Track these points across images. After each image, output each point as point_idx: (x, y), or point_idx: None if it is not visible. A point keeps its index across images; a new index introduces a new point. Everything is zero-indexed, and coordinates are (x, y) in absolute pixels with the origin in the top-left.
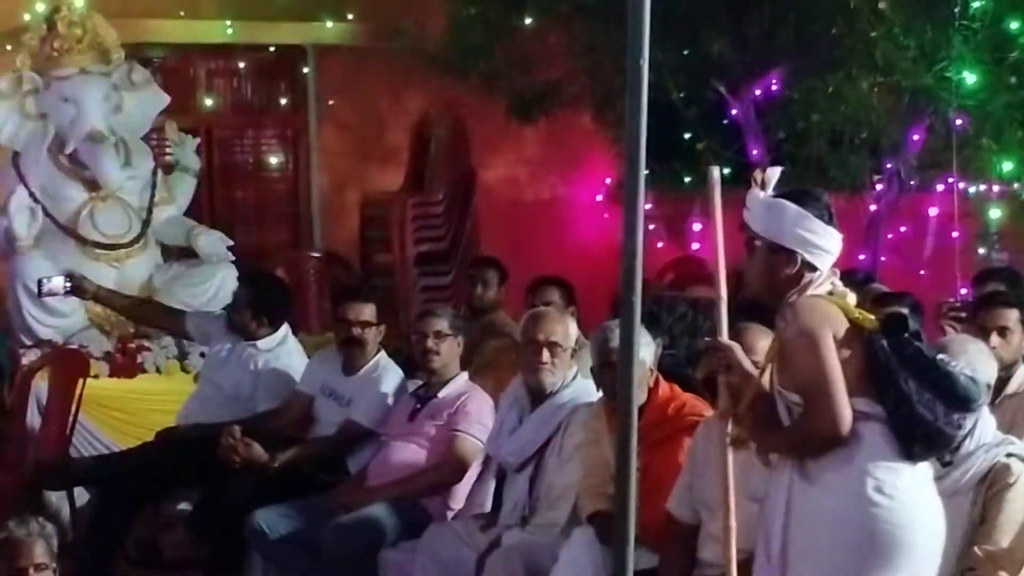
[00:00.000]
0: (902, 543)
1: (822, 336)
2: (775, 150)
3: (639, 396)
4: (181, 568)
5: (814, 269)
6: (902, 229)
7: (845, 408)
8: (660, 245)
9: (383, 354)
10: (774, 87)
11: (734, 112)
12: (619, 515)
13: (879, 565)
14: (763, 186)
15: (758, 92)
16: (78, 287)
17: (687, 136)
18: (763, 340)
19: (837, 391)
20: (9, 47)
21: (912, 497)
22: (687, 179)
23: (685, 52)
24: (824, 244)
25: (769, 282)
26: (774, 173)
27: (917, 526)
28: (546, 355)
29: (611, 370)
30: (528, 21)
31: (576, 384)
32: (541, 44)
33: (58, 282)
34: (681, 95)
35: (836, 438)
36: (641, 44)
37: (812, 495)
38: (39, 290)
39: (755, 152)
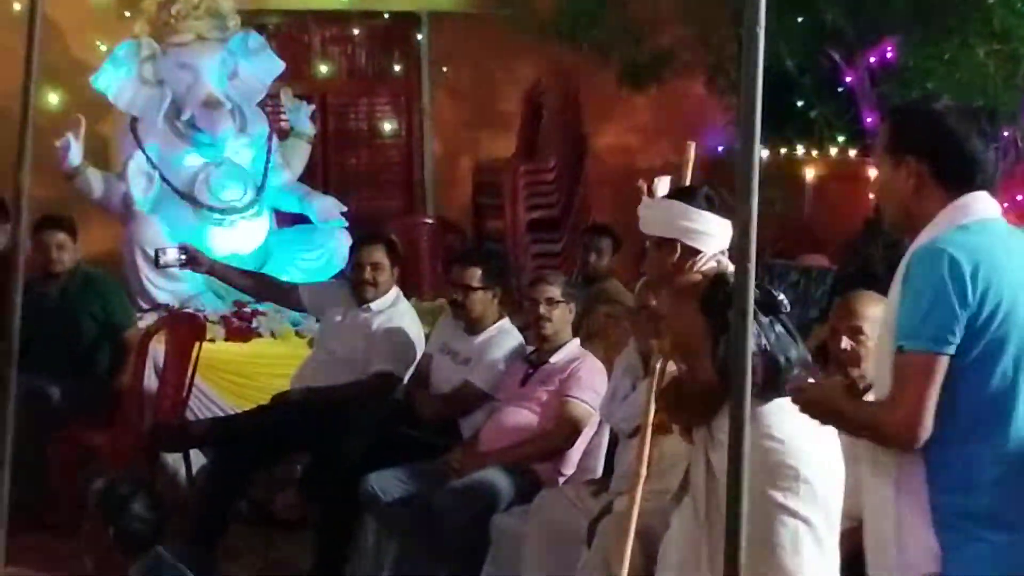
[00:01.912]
0: (799, 477)
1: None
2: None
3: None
4: (293, 527)
5: (697, 252)
6: (1019, 197)
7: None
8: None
9: (506, 319)
10: (889, 54)
11: (848, 80)
12: (732, 483)
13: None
14: (651, 194)
15: (873, 59)
16: (192, 260)
17: (801, 104)
18: (872, 307)
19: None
20: (127, 14)
21: (803, 434)
22: (800, 147)
23: (799, 19)
24: (703, 228)
25: (659, 271)
26: (663, 182)
27: (812, 462)
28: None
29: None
30: None
31: None
32: (653, 11)
33: (173, 255)
34: (795, 63)
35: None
36: (757, 11)
37: (721, 454)
38: (156, 261)
39: (869, 120)
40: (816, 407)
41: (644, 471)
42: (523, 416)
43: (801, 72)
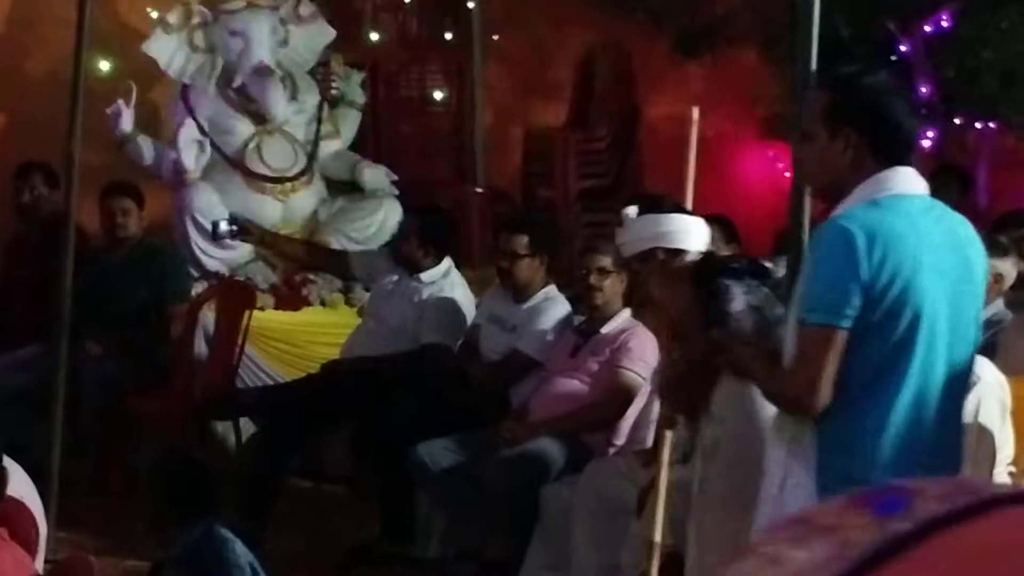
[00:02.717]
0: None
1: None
2: (944, 88)
3: None
4: (343, 483)
5: (679, 252)
6: None
7: None
8: None
9: (552, 287)
10: (944, 23)
11: (903, 49)
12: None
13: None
14: (622, 224)
15: (928, 28)
16: (244, 230)
17: None
18: None
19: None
20: None
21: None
22: None
23: None
24: (677, 228)
25: (658, 277)
26: (631, 210)
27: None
28: None
29: None
30: None
31: None
32: None
33: (225, 227)
34: (849, 31)
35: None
36: None
37: (715, 427)
38: (214, 234)
39: (924, 90)
40: (737, 365)
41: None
42: (573, 386)
43: (855, 41)
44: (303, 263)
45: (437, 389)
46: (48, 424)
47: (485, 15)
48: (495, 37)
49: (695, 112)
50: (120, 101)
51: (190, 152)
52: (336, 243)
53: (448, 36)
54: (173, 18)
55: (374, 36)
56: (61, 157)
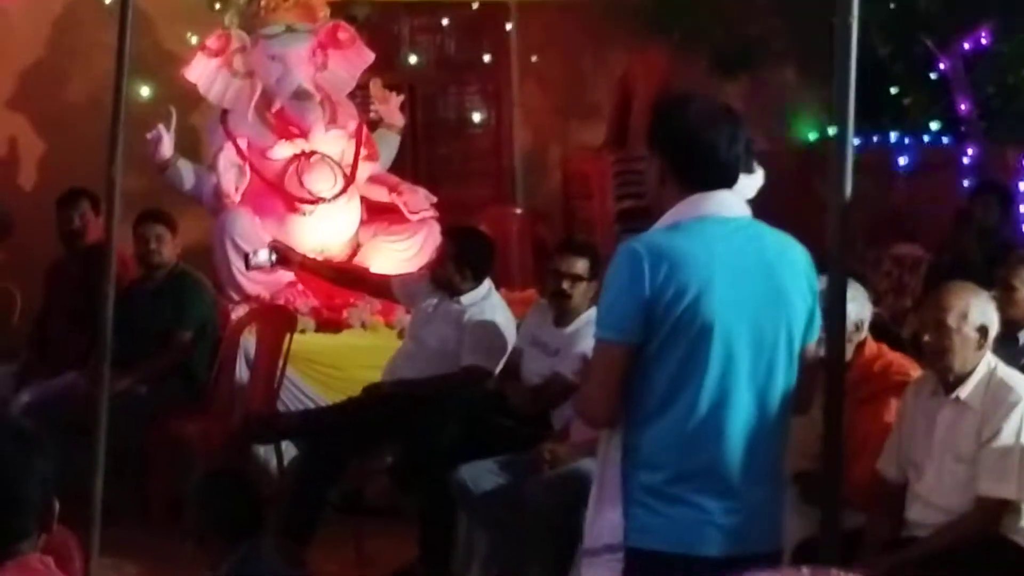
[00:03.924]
0: None
1: None
2: (983, 105)
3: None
4: (383, 515)
5: None
6: None
7: None
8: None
9: (594, 309)
10: (983, 41)
11: (942, 66)
12: (828, 474)
13: None
14: None
15: (967, 46)
16: (283, 259)
17: (894, 91)
18: (958, 299)
19: None
20: (218, 5)
21: None
22: (893, 134)
23: (892, 6)
24: None
25: None
26: None
27: None
28: None
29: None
30: None
31: None
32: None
33: (264, 256)
34: (888, 49)
35: None
36: (851, 3)
37: None
38: (246, 264)
39: (963, 107)
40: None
41: None
42: None
43: (894, 59)
44: (344, 286)
45: (478, 411)
46: (90, 451)
47: (523, 37)
48: (533, 58)
49: None
50: (160, 126)
51: (230, 176)
52: (376, 266)
53: (486, 58)
54: (213, 43)
55: (413, 59)
56: (102, 183)
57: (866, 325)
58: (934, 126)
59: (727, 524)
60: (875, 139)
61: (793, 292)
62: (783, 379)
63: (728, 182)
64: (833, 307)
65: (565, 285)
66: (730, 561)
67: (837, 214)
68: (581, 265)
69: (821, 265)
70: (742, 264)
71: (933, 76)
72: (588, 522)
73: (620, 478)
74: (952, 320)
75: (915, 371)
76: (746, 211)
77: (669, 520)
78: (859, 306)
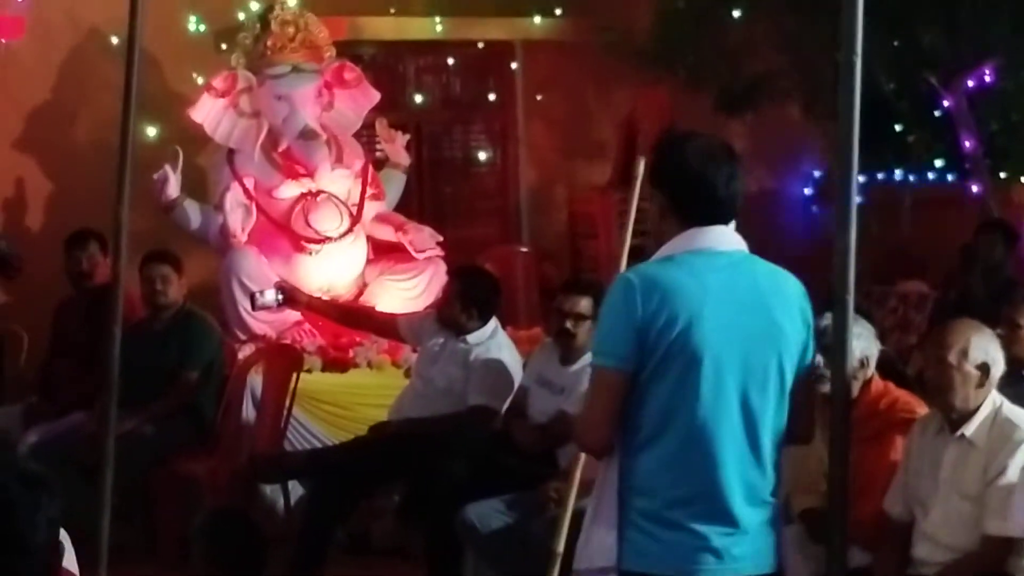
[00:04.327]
0: None
1: None
2: (988, 142)
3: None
4: (390, 556)
5: None
6: None
7: None
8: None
9: None
10: (987, 78)
11: (946, 104)
12: (834, 512)
13: None
14: None
15: (971, 83)
16: (290, 298)
17: (898, 128)
18: (960, 336)
19: None
20: (224, 46)
21: None
22: (898, 171)
23: (896, 43)
24: None
25: None
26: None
27: None
28: None
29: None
30: (735, 14)
31: None
32: (748, 37)
33: (270, 296)
34: (892, 87)
35: None
36: (854, 41)
37: None
38: (252, 305)
39: (968, 144)
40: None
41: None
42: None
43: (898, 96)
44: (350, 326)
45: (484, 450)
46: (97, 491)
47: (528, 76)
48: (538, 97)
49: (641, 164)
50: (167, 166)
51: (236, 216)
52: (382, 305)
53: (491, 97)
54: (219, 83)
55: (418, 98)
56: (109, 223)
57: (872, 362)
58: (938, 163)
59: (721, 547)
60: (879, 176)
61: (785, 323)
62: (775, 407)
63: (725, 218)
64: (839, 349)
65: (569, 324)
66: None
67: (842, 251)
68: (585, 304)
69: (827, 302)
70: (733, 296)
71: (937, 113)
72: (581, 543)
73: (616, 502)
74: (952, 357)
75: (921, 408)
76: (741, 246)
77: (665, 544)
78: (865, 343)
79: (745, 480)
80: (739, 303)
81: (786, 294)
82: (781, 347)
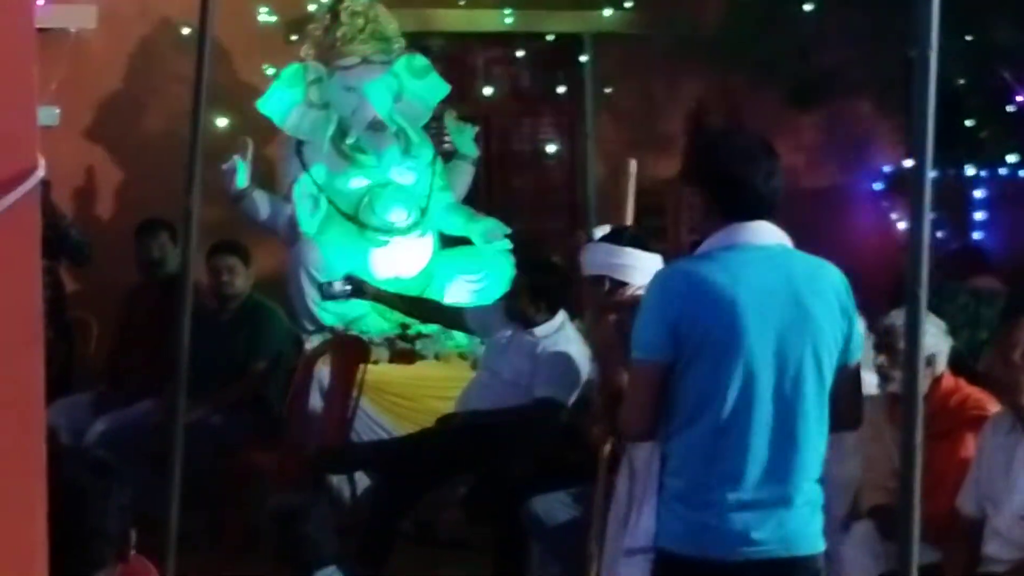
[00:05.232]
0: None
1: None
2: None
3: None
4: (456, 548)
5: (624, 284)
6: None
7: None
8: (940, 235)
9: None
10: None
11: (1019, 99)
12: (904, 509)
13: None
14: (589, 239)
15: None
16: (358, 290)
17: (970, 123)
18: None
19: None
20: (294, 37)
21: None
22: (970, 167)
23: (968, 37)
24: (628, 263)
25: (592, 304)
26: (601, 229)
27: None
28: None
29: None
30: (806, 7)
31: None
32: (819, 30)
33: (339, 287)
34: (964, 82)
35: None
36: (930, 34)
37: (633, 451)
38: (322, 294)
39: None
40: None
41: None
42: None
43: (970, 91)
44: (417, 318)
45: (551, 443)
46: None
47: (597, 69)
48: (607, 90)
49: (632, 164)
50: (236, 157)
51: (305, 207)
52: (449, 296)
53: (560, 90)
54: (289, 75)
55: (487, 90)
56: (178, 213)
57: (942, 359)
58: (1011, 159)
59: (744, 530)
60: (951, 172)
61: (820, 314)
62: (812, 395)
63: (763, 214)
64: (911, 345)
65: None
66: (756, 565)
67: (915, 247)
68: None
69: (897, 297)
70: (766, 288)
71: (1010, 108)
72: (631, 524)
73: (656, 485)
74: (1019, 356)
75: (992, 406)
76: (782, 239)
77: (691, 525)
78: (934, 339)
79: (775, 466)
80: (772, 295)
81: (822, 285)
82: (816, 337)
